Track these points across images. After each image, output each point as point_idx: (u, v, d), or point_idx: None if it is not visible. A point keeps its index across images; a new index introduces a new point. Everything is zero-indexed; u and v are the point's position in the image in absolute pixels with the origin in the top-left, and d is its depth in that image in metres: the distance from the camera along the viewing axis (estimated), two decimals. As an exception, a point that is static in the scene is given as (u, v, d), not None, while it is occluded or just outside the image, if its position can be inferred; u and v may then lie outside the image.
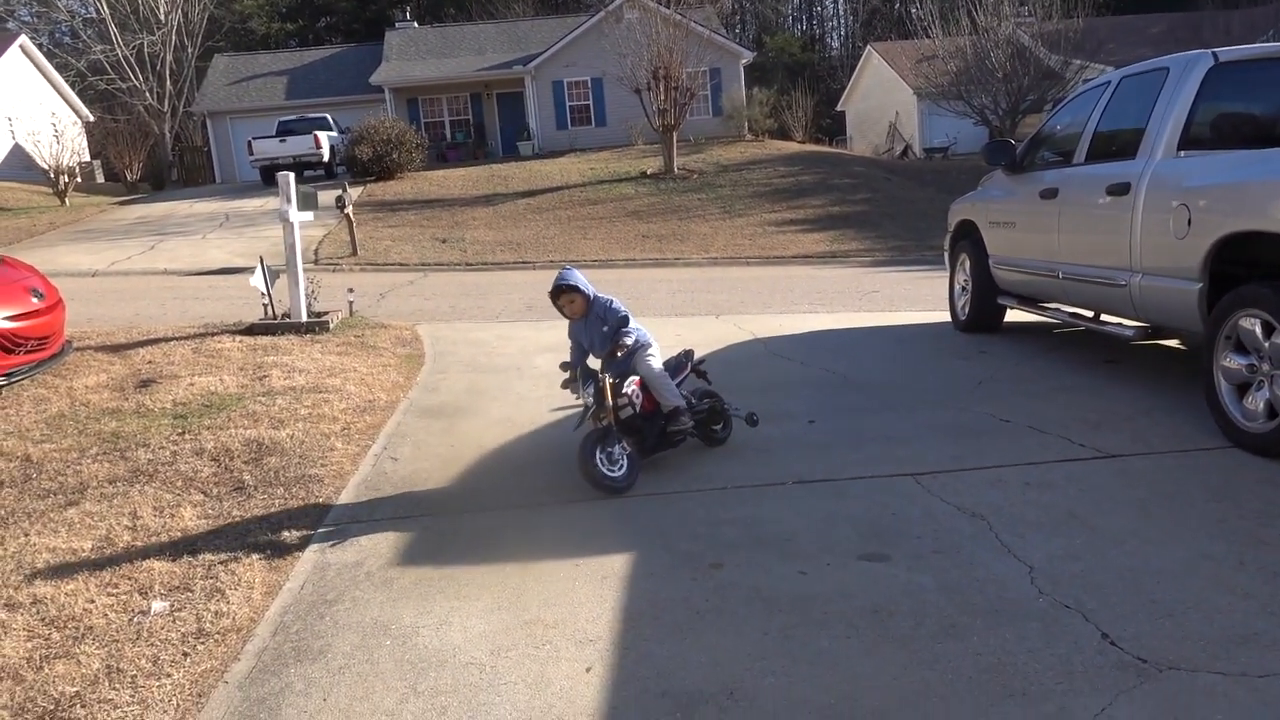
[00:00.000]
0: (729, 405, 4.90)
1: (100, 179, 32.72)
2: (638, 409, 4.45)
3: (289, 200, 7.95)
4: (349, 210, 16.26)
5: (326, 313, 8.37)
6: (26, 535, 4.03)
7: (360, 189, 22.84)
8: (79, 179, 26.77)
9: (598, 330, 4.56)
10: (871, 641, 2.85)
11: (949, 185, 22.40)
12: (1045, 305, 6.60)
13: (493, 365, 7.13)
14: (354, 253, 16.54)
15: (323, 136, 25.54)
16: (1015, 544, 3.48)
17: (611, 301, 4.59)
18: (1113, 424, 4.89)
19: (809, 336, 7.99)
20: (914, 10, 30.47)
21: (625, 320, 4.51)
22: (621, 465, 4.30)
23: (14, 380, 6.13)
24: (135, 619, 3.28)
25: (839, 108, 43.11)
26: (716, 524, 3.85)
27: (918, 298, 10.78)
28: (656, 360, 4.65)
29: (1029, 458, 4.43)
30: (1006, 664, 2.68)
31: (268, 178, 25.38)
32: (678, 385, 4.77)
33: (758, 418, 4.86)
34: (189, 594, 3.45)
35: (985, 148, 6.89)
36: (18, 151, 28.62)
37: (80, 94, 34.84)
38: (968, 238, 7.50)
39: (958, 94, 27.14)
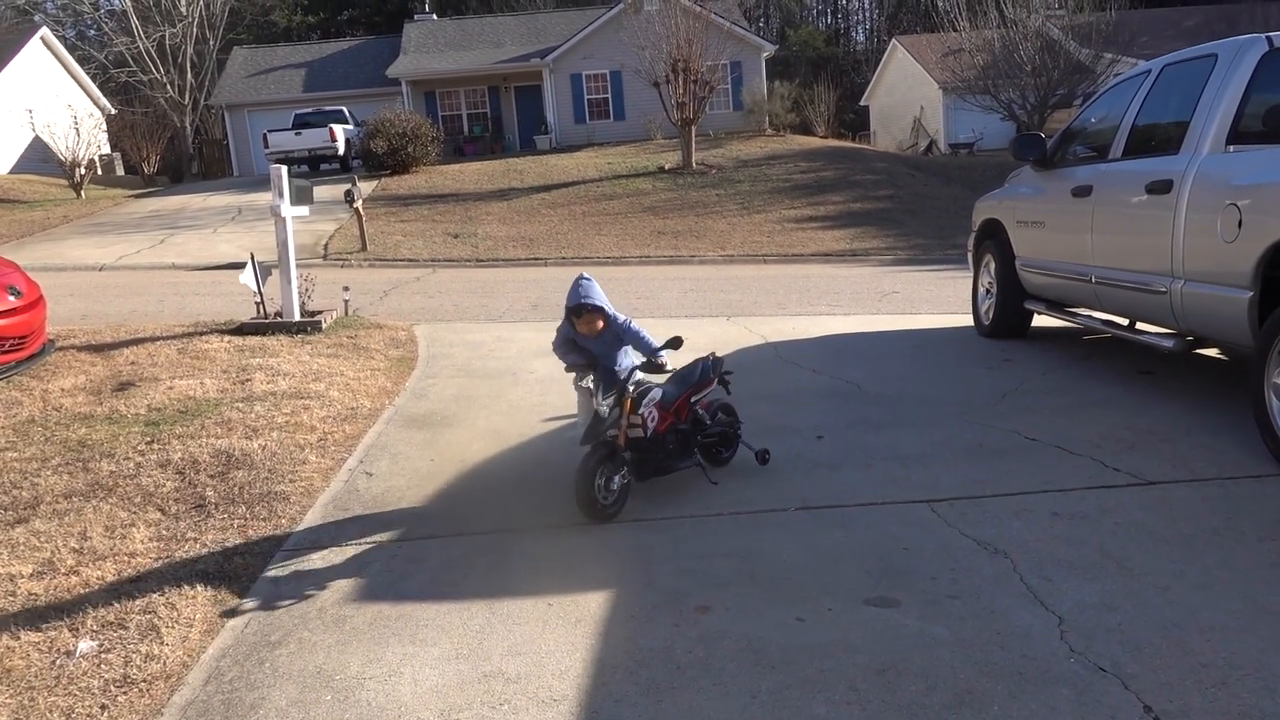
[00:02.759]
0: (742, 433, 4.51)
1: (120, 171, 32.67)
2: (648, 434, 4.06)
3: (281, 194, 7.63)
4: (358, 205, 16.00)
5: (320, 312, 8.06)
6: (-38, 558, 3.72)
7: (374, 183, 22.59)
8: (97, 171, 26.69)
9: (615, 347, 4.17)
10: (875, 710, 2.47)
11: (974, 182, 21.84)
12: (1075, 311, 6.16)
13: (487, 370, 6.78)
14: (363, 248, 16.27)
15: (338, 130, 25.32)
16: (1042, 588, 3.08)
17: (629, 322, 4.18)
18: (1149, 445, 4.47)
19: (823, 341, 7.59)
20: (940, 3, 29.78)
21: (660, 350, 4.09)
22: (615, 495, 3.93)
23: (-14, 383, 5.85)
24: (58, 661, 2.96)
25: (862, 102, 42.45)
26: (708, 557, 3.48)
27: (939, 299, 10.34)
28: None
29: (1057, 483, 4.02)
30: (1032, 744, 2.29)
31: (283, 171, 25.18)
32: (704, 397, 4.37)
33: (769, 456, 4.45)
34: (122, 631, 3.12)
35: (1014, 141, 6.44)
36: (37, 144, 28.52)
37: (102, 87, 34.81)
38: (993, 238, 7.06)
39: (984, 88, 26.53)
